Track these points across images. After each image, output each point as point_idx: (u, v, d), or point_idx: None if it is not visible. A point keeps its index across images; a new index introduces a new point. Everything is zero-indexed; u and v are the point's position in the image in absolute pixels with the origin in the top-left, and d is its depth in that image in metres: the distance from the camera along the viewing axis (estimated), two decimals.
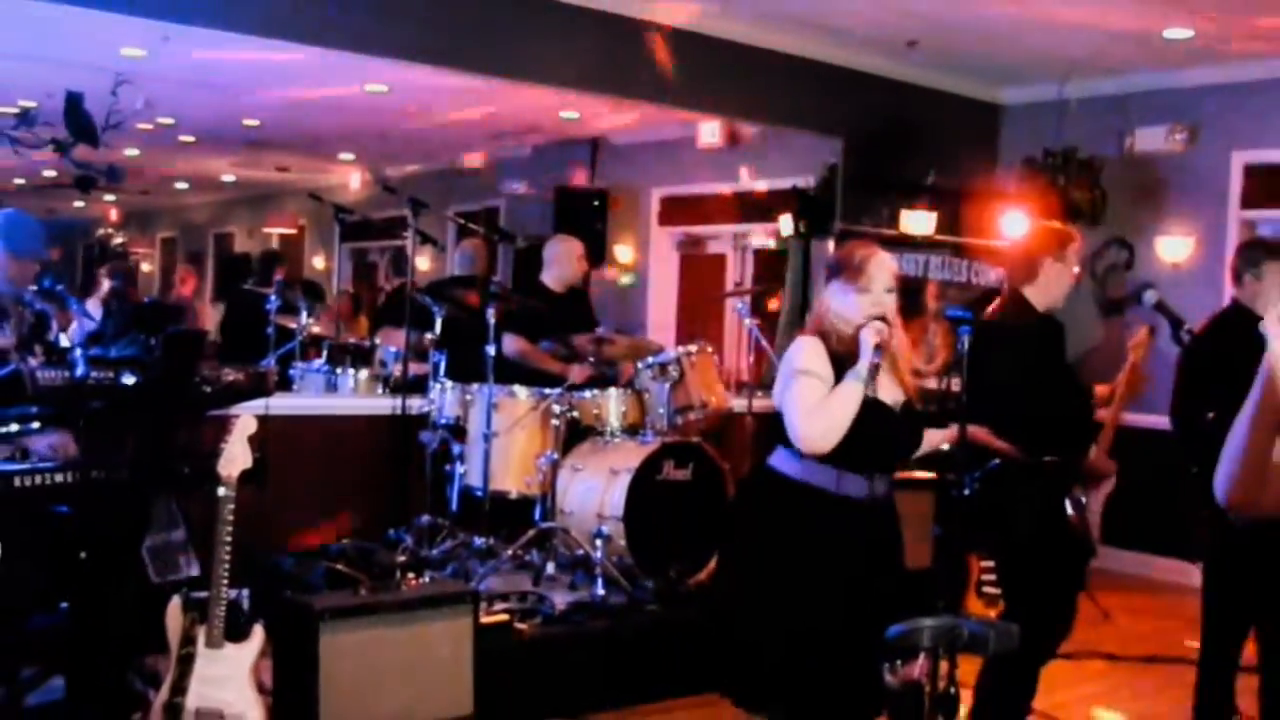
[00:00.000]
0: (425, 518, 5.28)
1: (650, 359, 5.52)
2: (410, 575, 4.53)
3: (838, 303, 3.12)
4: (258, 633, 3.45)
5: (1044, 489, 3.84)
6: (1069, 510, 3.94)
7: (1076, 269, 3.96)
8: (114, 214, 18.25)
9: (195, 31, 5.41)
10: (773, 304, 7.88)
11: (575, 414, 5.37)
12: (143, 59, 6.89)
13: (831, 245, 7.03)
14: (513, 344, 5.58)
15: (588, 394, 5.45)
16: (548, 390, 5.29)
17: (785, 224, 7.92)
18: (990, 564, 4.43)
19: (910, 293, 6.53)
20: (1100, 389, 4.08)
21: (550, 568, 5.08)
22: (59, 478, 3.50)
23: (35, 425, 3.65)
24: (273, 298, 5.99)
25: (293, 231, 14.85)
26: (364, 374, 6.28)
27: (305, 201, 11.66)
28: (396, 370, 6.02)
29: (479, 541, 5.08)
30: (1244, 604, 4.17)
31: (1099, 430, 4.03)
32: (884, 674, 3.02)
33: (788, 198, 8.00)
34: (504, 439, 5.18)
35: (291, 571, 4.74)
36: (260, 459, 3.48)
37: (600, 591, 4.83)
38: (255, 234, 15.83)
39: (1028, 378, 3.77)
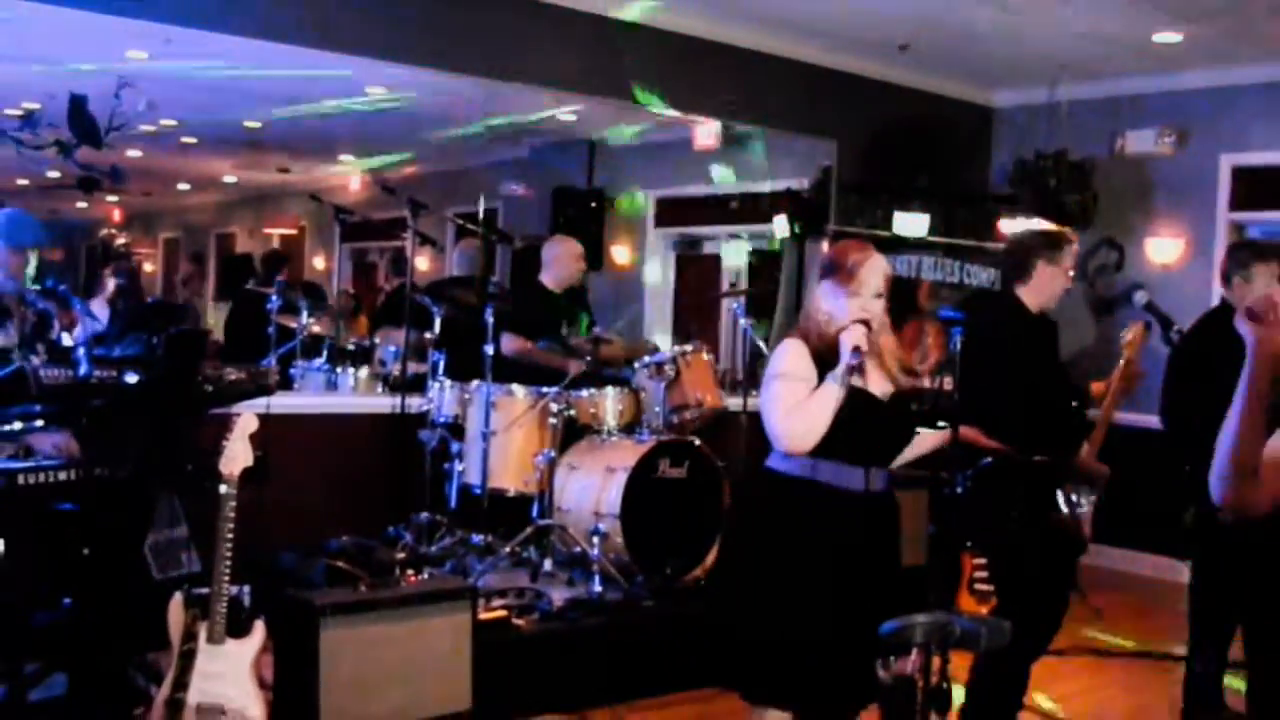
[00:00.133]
0: (424, 515, 5.32)
1: (647, 359, 5.57)
2: (409, 572, 4.52)
3: (827, 303, 3.16)
4: (259, 629, 3.45)
5: (1035, 487, 3.86)
6: (1061, 508, 3.98)
7: (1071, 272, 3.98)
8: (117, 215, 18.24)
9: (197, 35, 5.44)
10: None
11: (572, 413, 5.40)
12: (145, 62, 6.92)
13: (825, 246, 7.07)
14: (511, 343, 5.63)
15: (585, 393, 5.48)
16: (545, 389, 5.33)
17: (780, 225, 7.96)
18: (982, 561, 4.46)
19: (904, 293, 6.59)
20: (1096, 386, 4.10)
21: (548, 564, 5.11)
22: (62, 475, 3.52)
23: (38, 424, 3.67)
24: (274, 298, 6.03)
25: (293, 232, 14.88)
26: (364, 373, 6.31)
27: (306, 202, 11.67)
28: (396, 369, 6.06)
29: (477, 539, 5.12)
30: (1232, 601, 4.20)
31: (1092, 429, 4.06)
32: (877, 669, 3.05)
33: (782, 199, 8.05)
34: (502, 437, 5.23)
35: (292, 568, 4.73)
36: (261, 457, 3.48)
37: (597, 588, 4.87)
38: (256, 234, 15.85)
39: (1018, 377, 3.79)
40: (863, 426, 3.08)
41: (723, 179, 9.14)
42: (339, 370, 6.29)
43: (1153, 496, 4.93)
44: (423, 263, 9.30)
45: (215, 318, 11.95)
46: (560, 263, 5.95)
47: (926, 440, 3.39)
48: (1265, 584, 3.95)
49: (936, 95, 7.82)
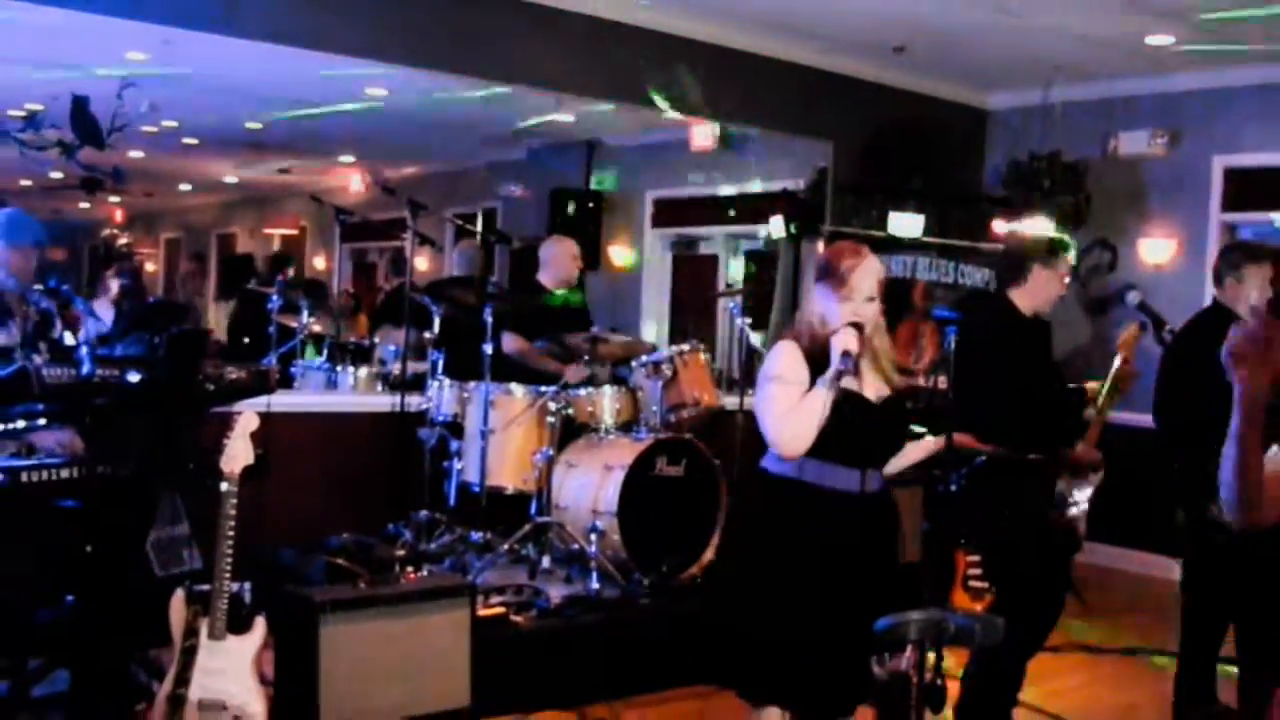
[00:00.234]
0: (423, 513, 5.34)
1: (644, 358, 5.61)
2: (409, 569, 4.54)
3: (820, 306, 3.18)
4: (259, 625, 3.47)
5: (1029, 486, 3.89)
6: (1057, 506, 4.00)
7: (1067, 279, 3.99)
8: (119, 215, 18.30)
9: (199, 36, 5.48)
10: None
11: (570, 411, 5.42)
12: (147, 63, 6.96)
13: (821, 246, 7.11)
14: (510, 343, 5.66)
15: (583, 392, 5.51)
16: (544, 388, 5.35)
17: (776, 226, 8.01)
18: (976, 558, 4.49)
19: (899, 293, 6.63)
20: (1092, 386, 4.12)
21: (546, 562, 5.13)
22: (65, 473, 3.55)
23: (41, 422, 3.70)
24: (274, 297, 6.06)
25: (294, 232, 14.93)
26: (364, 372, 6.34)
27: (306, 203, 11.71)
28: (396, 368, 6.10)
29: (476, 536, 5.15)
30: (1222, 598, 4.23)
31: (1086, 428, 4.08)
32: (872, 665, 3.07)
33: (778, 199, 8.10)
34: (501, 436, 5.25)
35: (292, 565, 4.74)
36: (262, 455, 3.49)
37: (595, 585, 4.89)
38: (257, 235, 15.90)
39: (1010, 379, 3.81)
40: (855, 429, 3.10)
41: (719, 181, 9.19)
42: (339, 369, 6.31)
43: (1145, 495, 4.96)
44: (422, 263, 9.35)
45: (216, 317, 11.99)
46: (558, 262, 5.99)
47: (917, 450, 3.40)
48: (1256, 581, 3.99)
49: (931, 97, 7.86)
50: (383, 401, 5.90)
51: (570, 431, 5.45)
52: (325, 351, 6.47)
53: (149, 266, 17.01)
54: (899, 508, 3.34)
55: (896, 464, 3.34)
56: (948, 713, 3.61)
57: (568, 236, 6.41)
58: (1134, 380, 4.10)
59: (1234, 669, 4.33)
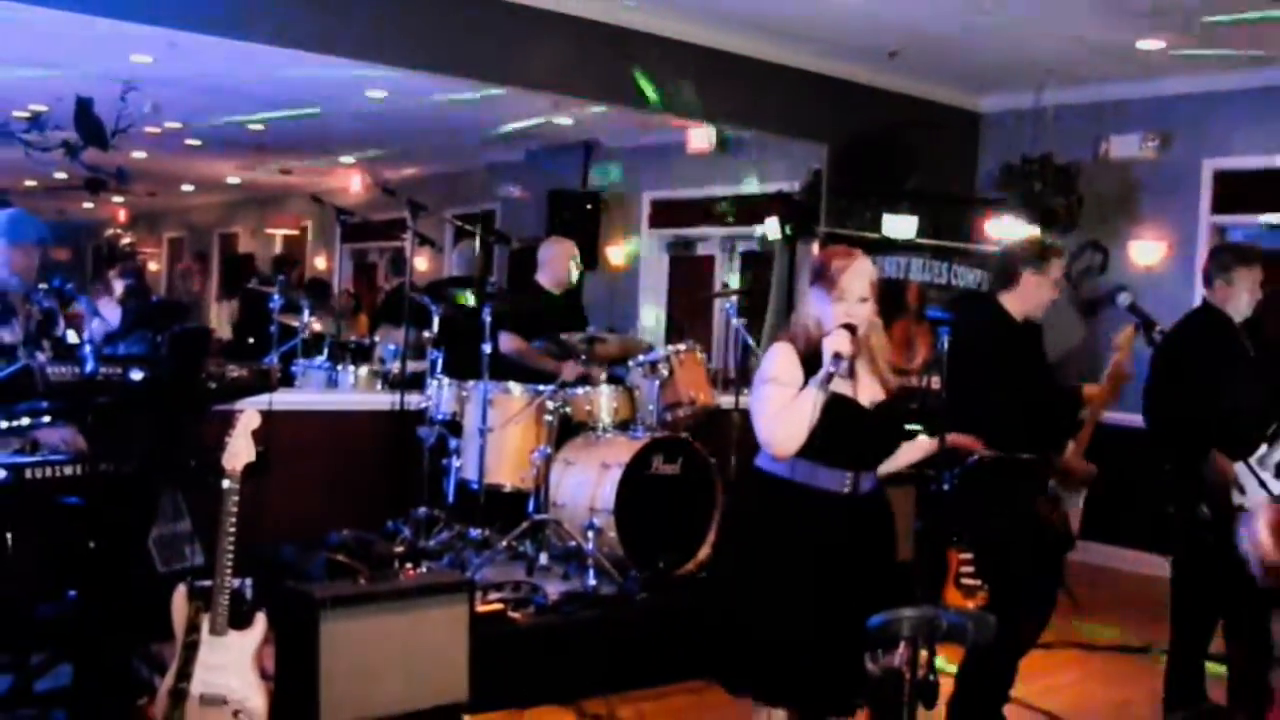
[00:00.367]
0: (422, 510, 5.35)
1: (641, 357, 5.64)
2: (408, 565, 4.57)
3: (814, 308, 3.21)
4: (260, 621, 3.49)
5: (1021, 485, 3.92)
6: (1049, 498, 4.03)
7: (1058, 284, 4.01)
8: (122, 215, 18.34)
9: (201, 39, 5.52)
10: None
11: (568, 410, 5.44)
12: (151, 65, 6.99)
13: (815, 248, 7.15)
14: (509, 342, 5.69)
15: (580, 391, 5.54)
16: (542, 387, 5.38)
17: (772, 227, 8.05)
18: (969, 556, 4.53)
19: (892, 294, 6.68)
20: (1089, 389, 4.14)
21: (543, 559, 5.15)
22: (68, 470, 3.58)
23: (45, 419, 3.74)
24: (276, 297, 6.10)
25: (295, 232, 14.96)
26: (364, 370, 6.36)
27: (307, 203, 11.74)
28: (395, 367, 6.13)
29: (474, 533, 5.18)
30: (1211, 596, 4.28)
31: (1080, 428, 4.11)
32: (866, 662, 3.11)
33: (775, 201, 8.15)
34: (499, 434, 5.28)
35: (293, 561, 4.75)
36: (263, 452, 3.51)
37: (592, 582, 4.92)
38: (259, 235, 15.94)
39: (1001, 381, 3.84)
40: (845, 433, 3.13)
41: (715, 182, 9.23)
42: (339, 368, 6.33)
43: (1136, 493, 5.00)
44: (421, 263, 9.40)
45: (218, 316, 12.05)
46: (556, 263, 6.02)
47: (911, 452, 3.42)
48: (1245, 579, 4.04)
49: (925, 100, 7.90)
50: (382, 400, 5.93)
51: (568, 430, 5.48)
52: (325, 350, 6.50)
53: (152, 266, 17.05)
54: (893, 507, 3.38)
55: (891, 465, 3.37)
56: (940, 709, 3.65)
57: (566, 238, 6.45)
58: (1128, 380, 4.14)
59: (1223, 668, 4.39)
